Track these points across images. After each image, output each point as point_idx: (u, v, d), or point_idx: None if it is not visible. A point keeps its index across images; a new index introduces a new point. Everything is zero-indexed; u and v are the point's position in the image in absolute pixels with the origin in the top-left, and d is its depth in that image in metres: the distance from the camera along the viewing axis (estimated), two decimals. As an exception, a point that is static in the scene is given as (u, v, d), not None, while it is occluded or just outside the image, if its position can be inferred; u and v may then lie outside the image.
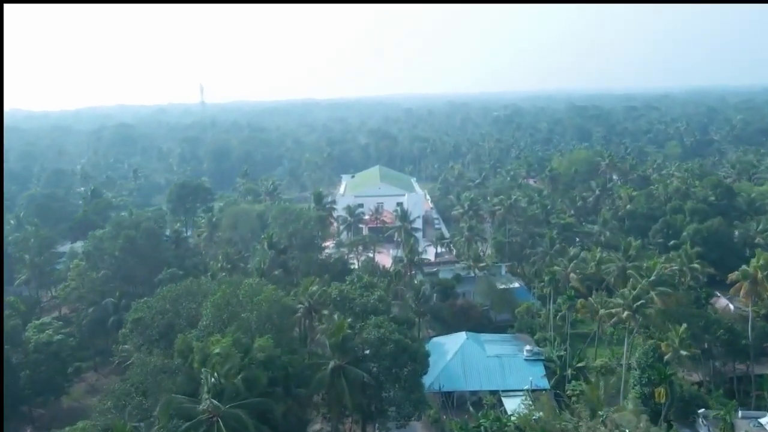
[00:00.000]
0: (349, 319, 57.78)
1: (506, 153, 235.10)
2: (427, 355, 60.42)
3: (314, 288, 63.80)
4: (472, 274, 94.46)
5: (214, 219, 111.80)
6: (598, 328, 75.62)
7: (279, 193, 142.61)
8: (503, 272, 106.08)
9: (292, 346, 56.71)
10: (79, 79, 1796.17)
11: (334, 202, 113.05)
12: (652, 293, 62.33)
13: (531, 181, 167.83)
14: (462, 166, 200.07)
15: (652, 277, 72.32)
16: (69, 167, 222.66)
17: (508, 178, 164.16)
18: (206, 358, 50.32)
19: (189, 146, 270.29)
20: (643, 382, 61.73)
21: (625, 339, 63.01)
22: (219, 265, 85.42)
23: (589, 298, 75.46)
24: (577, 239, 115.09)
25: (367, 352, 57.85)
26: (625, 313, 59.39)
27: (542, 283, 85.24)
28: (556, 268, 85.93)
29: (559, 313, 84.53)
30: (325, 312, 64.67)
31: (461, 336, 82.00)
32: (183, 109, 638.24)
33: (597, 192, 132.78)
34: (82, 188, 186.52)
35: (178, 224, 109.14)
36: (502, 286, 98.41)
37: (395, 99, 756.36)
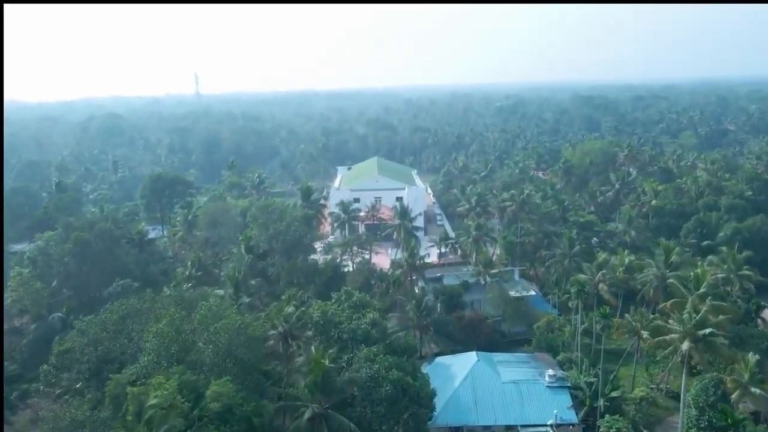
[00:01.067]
0: (331, 351, 45.34)
1: (512, 144, 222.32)
2: (432, 395, 48.13)
3: (290, 309, 51.19)
4: (483, 282, 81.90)
5: (190, 217, 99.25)
6: (637, 350, 63.04)
7: (266, 187, 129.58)
8: (516, 277, 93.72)
9: (260, 387, 44.31)
10: (75, 69, 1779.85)
11: (324, 197, 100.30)
12: (713, 318, 49.47)
13: (540, 174, 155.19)
14: (466, 158, 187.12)
15: (702, 290, 60.00)
16: (49, 159, 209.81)
17: (517, 170, 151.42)
18: (142, 409, 38.08)
19: (178, 137, 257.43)
20: (702, 425, 49.58)
21: (683, 375, 50.39)
22: (187, 272, 73.00)
23: (626, 316, 62.89)
24: (595, 239, 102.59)
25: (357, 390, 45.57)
26: (686, 344, 46.90)
27: (567, 295, 72.69)
28: (582, 276, 73.44)
29: (582, 326, 72.30)
30: (309, 333, 52.41)
31: (471, 357, 69.63)
32: (178, 100, 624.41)
33: (616, 186, 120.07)
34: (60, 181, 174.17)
35: (143, 223, 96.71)
36: (516, 294, 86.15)
37: (396, 90, 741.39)
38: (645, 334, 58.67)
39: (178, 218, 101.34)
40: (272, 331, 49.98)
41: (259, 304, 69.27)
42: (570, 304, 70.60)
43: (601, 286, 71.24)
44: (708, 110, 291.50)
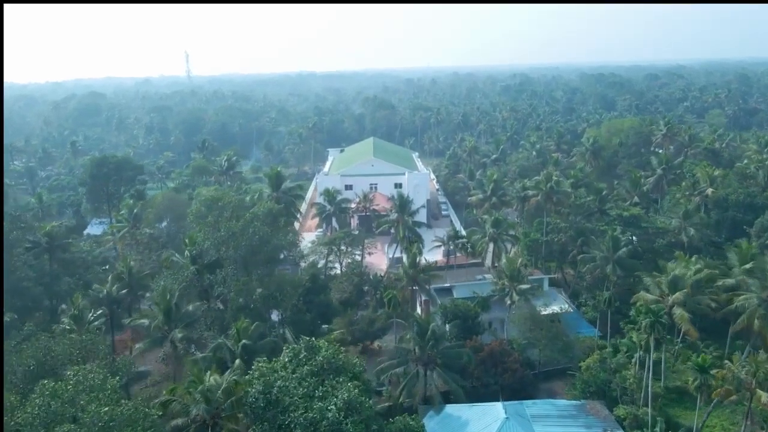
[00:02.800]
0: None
1: (523, 123, 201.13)
2: None
3: (213, 379, 31.23)
4: (509, 302, 61.79)
5: (136, 210, 79.25)
6: (747, 414, 43.12)
7: (240, 172, 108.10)
8: (546, 287, 73.83)
9: None
10: (72, 51, 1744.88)
11: (299, 187, 79.53)
12: None
13: (557, 156, 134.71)
14: (475, 138, 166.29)
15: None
16: (12, 141, 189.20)
17: (534, 153, 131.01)
18: None
19: (159, 117, 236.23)
20: None
21: None
22: (105, 290, 53.05)
23: (728, 364, 42.92)
24: (632, 237, 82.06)
25: None
26: None
27: (631, 324, 52.71)
28: (647, 296, 53.48)
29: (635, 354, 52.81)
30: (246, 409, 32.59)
31: (495, 411, 49.95)
32: (170, 81, 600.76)
33: (659, 171, 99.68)
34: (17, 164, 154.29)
35: (62, 222, 76.69)
36: (548, 312, 66.31)
37: (395, 72, 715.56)
38: (764, 396, 38.88)
39: (123, 211, 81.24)
40: (179, 420, 30.16)
41: (203, 339, 49.46)
42: (635, 338, 50.49)
43: (678, 312, 51.20)
44: (732, 88, 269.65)
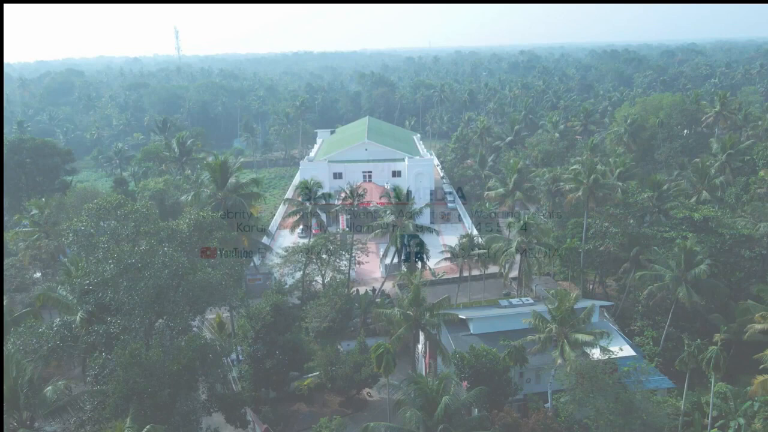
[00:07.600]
0: None
1: (537, 102, 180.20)
2: None
3: None
4: (560, 360, 41.73)
5: (47, 212, 59.50)
6: None
7: (202, 157, 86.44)
8: (596, 317, 53.90)
9: None
10: (64, 30, 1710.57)
11: (255, 182, 59.01)
12: None
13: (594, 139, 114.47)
14: (487, 118, 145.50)
15: None
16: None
17: (557, 135, 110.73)
18: None
19: (135, 95, 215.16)
20: None
21: None
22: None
23: None
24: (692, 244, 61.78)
25: None
26: None
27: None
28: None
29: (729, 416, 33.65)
30: None
31: None
32: (161, 60, 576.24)
33: (721, 158, 79.52)
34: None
35: None
36: (600, 355, 46.34)
37: (396, 52, 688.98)
38: None
39: (33, 212, 61.40)
40: None
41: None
42: None
43: None
44: (762, 64, 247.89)
